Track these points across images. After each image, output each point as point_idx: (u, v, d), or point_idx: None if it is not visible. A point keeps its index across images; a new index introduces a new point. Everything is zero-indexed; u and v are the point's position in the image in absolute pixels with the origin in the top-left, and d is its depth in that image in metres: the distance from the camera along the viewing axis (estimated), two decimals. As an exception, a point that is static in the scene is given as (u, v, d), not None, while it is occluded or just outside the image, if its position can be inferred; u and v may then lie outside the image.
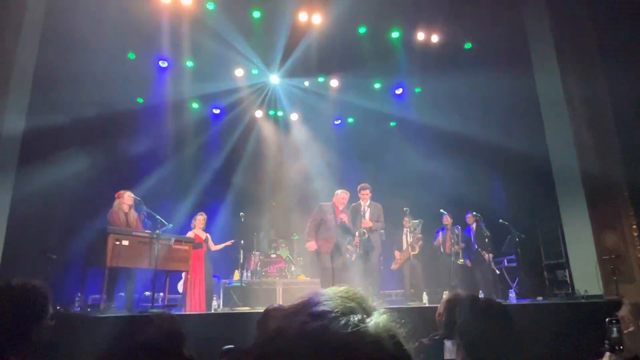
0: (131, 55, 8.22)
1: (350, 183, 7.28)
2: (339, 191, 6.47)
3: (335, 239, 6.18)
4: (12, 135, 5.81)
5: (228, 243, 7.47)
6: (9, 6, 5.52)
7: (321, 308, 0.55)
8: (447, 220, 7.97)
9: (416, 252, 7.56)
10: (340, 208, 6.31)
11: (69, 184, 7.19)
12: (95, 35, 7.01)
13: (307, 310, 0.55)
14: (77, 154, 7.10)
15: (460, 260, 7.53)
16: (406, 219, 7.73)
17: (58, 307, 4.93)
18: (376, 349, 0.51)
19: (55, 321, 1.66)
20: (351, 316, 0.54)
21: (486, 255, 7.60)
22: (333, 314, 0.54)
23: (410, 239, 7.73)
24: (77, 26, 6.78)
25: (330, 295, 0.58)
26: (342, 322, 0.53)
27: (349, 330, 0.52)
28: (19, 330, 1.50)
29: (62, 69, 6.62)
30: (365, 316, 0.55)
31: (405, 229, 7.85)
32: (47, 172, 6.57)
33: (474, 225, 8.00)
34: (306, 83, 9.57)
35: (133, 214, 6.04)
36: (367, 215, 6.32)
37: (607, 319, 2.31)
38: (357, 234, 6.24)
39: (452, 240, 7.74)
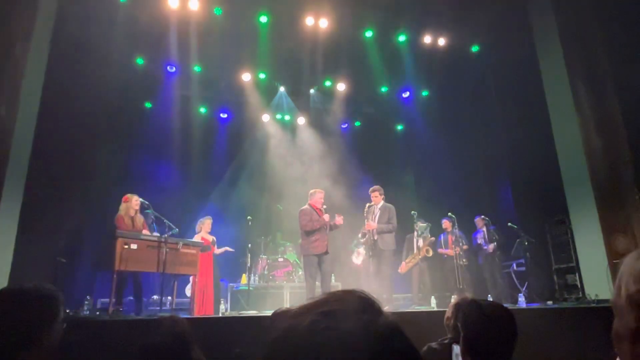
0: (139, 61, 8.31)
1: (356, 187, 7.28)
2: (313, 191, 6.17)
3: (326, 240, 5.89)
4: (23, 139, 5.88)
5: (229, 249, 7.35)
6: (21, 13, 5.60)
7: (331, 307, 0.55)
8: (447, 224, 8.00)
9: (430, 255, 7.52)
10: (320, 209, 6.02)
11: (78, 188, 7.26)
12: (104, 41, 7.09)
13: (317, 309, 0.55)
14: (86, 157, 7.16)
15: (463, 260, 7.48)
16: (418, 222, 7.69)
17: (67, 311, 4.97)
18: (386, 347, 0.52)
19: (66, 325, 1.67)
20: (361, 314, 0.54)
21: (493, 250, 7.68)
22: (343, 313, 0.54)
23: (420, 243, 7.70)
24: (87, 32, 6.87)
25: (340, 295, 0.58)
26: (353, 320, 0.53)
27: (360, 328, 0.52)
28: (31, 334, 1.51)
29: (71, 74, 6.70)
30: (374, 315, 0.55)
31: (414, 232, 7.83)
32: (56, 176, 6.63)
33: (484, 229, 7.97)
34: (312, 88, 9.59)
35: (139, 218, 6.07)
36: (377, 217, 6.27)
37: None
38: (359, 235, 6.18)
39: (460, 242, 7.70)
